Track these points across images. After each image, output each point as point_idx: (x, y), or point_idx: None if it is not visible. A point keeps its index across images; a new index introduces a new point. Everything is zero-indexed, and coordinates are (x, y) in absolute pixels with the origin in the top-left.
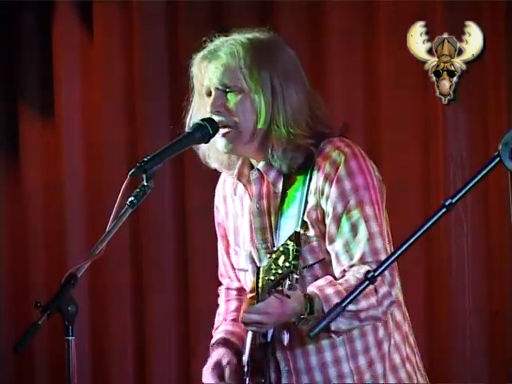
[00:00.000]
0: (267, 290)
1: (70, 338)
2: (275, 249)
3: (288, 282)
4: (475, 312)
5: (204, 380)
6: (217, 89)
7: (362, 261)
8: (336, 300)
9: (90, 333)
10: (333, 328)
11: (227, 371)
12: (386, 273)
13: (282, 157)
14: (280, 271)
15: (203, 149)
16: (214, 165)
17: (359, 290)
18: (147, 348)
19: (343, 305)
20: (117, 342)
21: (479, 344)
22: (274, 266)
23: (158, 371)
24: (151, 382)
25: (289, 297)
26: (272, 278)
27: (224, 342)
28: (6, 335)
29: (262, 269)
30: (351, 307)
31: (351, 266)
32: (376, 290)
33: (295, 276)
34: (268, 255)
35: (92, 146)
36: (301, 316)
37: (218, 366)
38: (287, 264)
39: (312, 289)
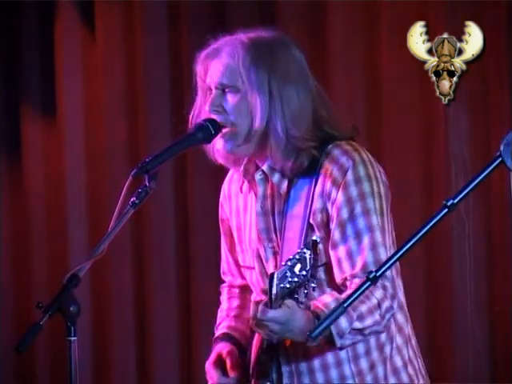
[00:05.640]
0: (281, 297)
1: (72, 338)
2: (291, 256)
3: (304, 291)
4: (476, 312)
5: (208, 375)
6: (216, 88)
7: (364, 270)
8: (342, 316)
9: (91, 333)
10: (338, 345)
11: (228, 362)
12: (388, 285)
13: (283, 159)
14: (296, 279)
15: (209, 146)
16: (220, 160)
17: (361, 290)
18: (149, 347)
19: (345, 305)
20: (119, 342)
21: (480, 344)
22: (289, 274)
23: (160, 370)
24: (153, 381)
25: (302, 303)
26: (288, 285)
27: (225, 337)
28: (6, 335)
29: (276, 275)
30: (358, 325)
31: (353, 276)
32: (379, 305)
33: (312, 285)
34: (274, 255)
35: (94, 146)
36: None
37: (219, 360)
38: (304, 272)
39: (318, 304)
